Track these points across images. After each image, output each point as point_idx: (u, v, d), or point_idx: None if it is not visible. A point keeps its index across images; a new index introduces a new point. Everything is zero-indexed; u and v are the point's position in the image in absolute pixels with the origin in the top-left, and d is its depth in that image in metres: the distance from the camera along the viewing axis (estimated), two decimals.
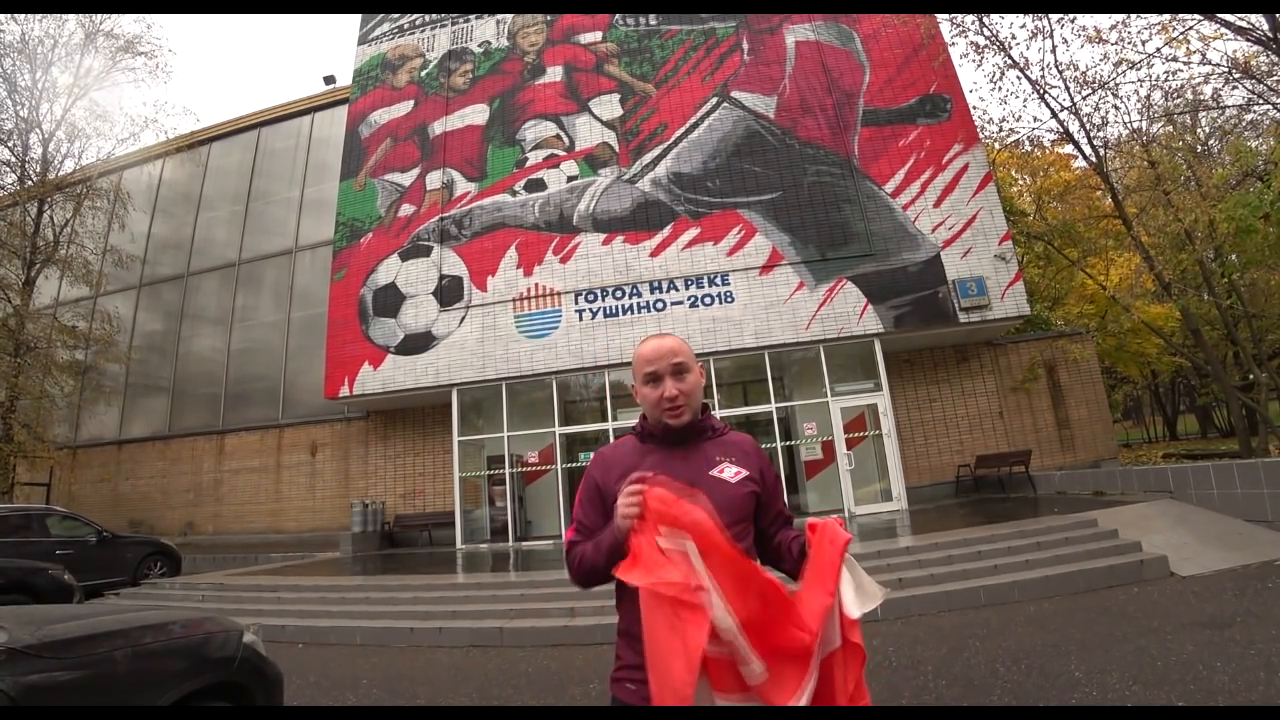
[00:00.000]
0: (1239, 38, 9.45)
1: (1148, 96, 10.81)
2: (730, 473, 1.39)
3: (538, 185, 12.85)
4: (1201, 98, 10.79)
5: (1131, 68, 10.25)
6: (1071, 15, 10.43)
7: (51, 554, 8.31)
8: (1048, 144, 12.93)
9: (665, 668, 1.11)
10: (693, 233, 11.93)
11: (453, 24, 14.87)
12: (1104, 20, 12.26)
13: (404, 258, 12.94)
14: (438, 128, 13.85)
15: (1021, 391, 12.17)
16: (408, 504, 13.05)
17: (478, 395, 12.34)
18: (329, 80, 17.61)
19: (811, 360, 11.44)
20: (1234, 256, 12.26)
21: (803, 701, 1.16)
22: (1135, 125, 11.14)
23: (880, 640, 4.62)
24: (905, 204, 11.56)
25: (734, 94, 12.73)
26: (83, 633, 2.24)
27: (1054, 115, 11.21)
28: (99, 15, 15.82)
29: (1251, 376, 11.55)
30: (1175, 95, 10.52)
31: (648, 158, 12.57)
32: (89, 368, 16.06)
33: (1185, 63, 9.91)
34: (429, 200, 13.25)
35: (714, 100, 12.75)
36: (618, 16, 13.94)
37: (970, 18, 11.15)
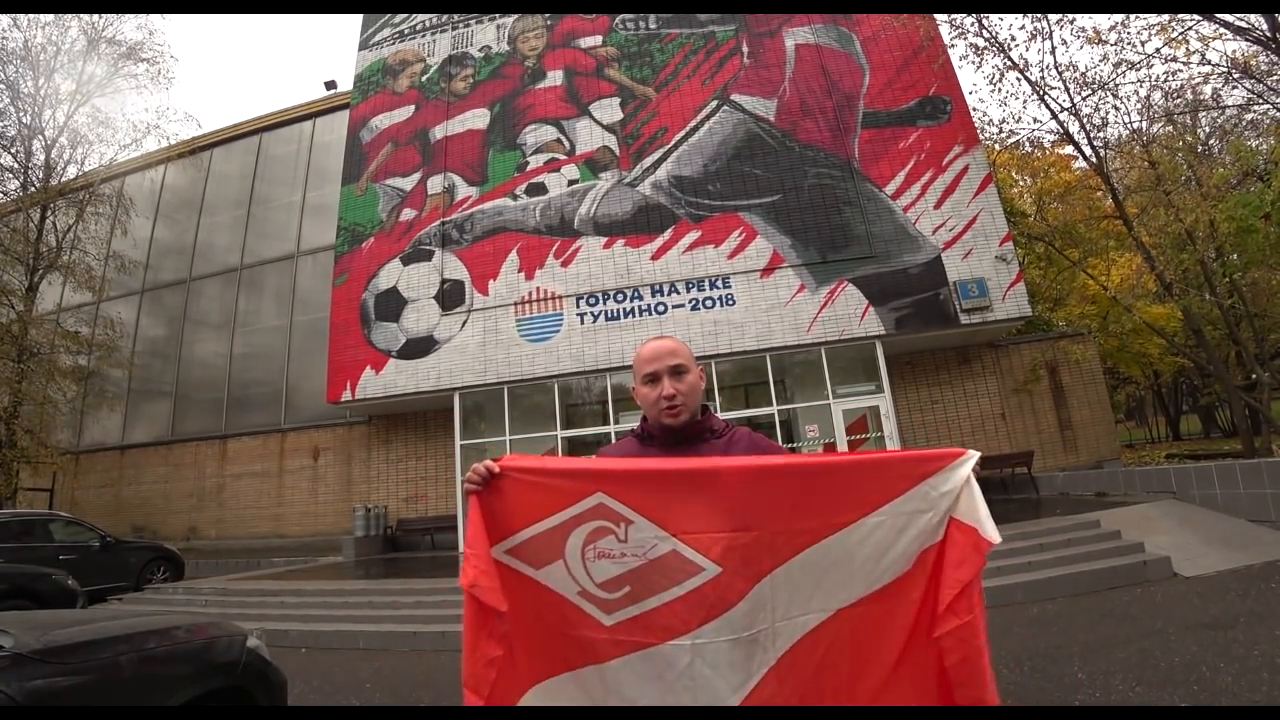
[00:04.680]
0: (1238, 37, 9.46)
1: (1148, 97, 10.80)
2: None
3: (539, 189, 12.88)
4: (1201, 98, 10.78)
5: (1131, 68, 10.26)
6: (1071, 16, 10.45)
7: (55, 559, 8.31)
8: (1048, 145, 12.96)
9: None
10: (693, 236, 11.94)
11: (453, 29, 14.92)
12: (1103, 21, 12.25)
13: (405, 262, 12.97)
14: (439, 132, 13.89)
15: (1023, 393, 12.15)
16: (410, 508, 13.06)
17: (479, 399, 12.35)
18: (330, 85, 17.69)
19: (813, 362, 11.43)
20: (1235, 256, 12.23)
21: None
22: (1135, 126, 11.14)
23: None
24: (906, 206, 11.56)
25: (734, 97, 12.75)
26: (87, 638, 2.24)
27: (1054, 116, 11.21)
28: (101, 22, 15.88)
29: (1254, 376, 11.51)
30: (1175, 95, 10.52)
31: (648, 161, 12.58)
32: (92, 373, 16.09)
33: (1185, 63, 9.92)
34: (430, 204, 13.28)
35: (714, 103, 12.78)
36: (617, 20, 13.98)
37: (969, 19, 11.16)
